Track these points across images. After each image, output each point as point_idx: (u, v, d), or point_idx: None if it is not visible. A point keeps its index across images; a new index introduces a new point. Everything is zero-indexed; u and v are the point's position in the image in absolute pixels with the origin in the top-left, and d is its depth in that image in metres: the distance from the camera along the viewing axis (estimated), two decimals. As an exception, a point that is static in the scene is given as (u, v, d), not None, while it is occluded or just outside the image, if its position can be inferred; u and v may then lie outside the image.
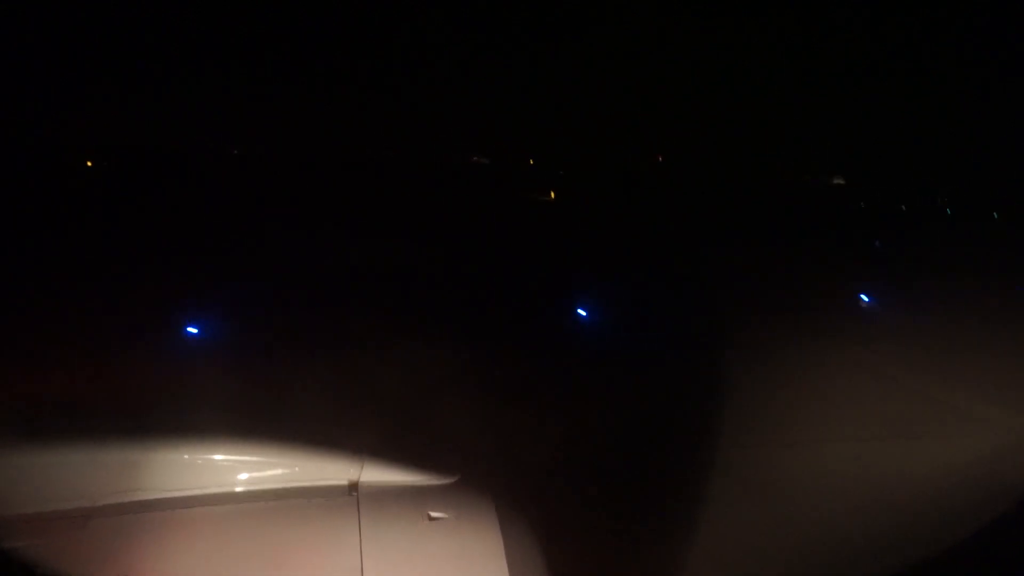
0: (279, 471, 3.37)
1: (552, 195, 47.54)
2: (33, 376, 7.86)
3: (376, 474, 3.45)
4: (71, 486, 3.10)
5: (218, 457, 3.36)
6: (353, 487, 3.35)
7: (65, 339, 10.07)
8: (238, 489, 3.28)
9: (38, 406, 5.67)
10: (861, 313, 15.51)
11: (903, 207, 55.01)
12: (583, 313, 14.65)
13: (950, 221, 47.31)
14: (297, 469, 3.38)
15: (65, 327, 10.78)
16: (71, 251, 18.62)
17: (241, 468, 3.35)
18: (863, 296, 16.05)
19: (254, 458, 3.40)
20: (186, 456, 3.32)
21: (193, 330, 11.44)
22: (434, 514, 3.23)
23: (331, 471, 3.42)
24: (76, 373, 8.30)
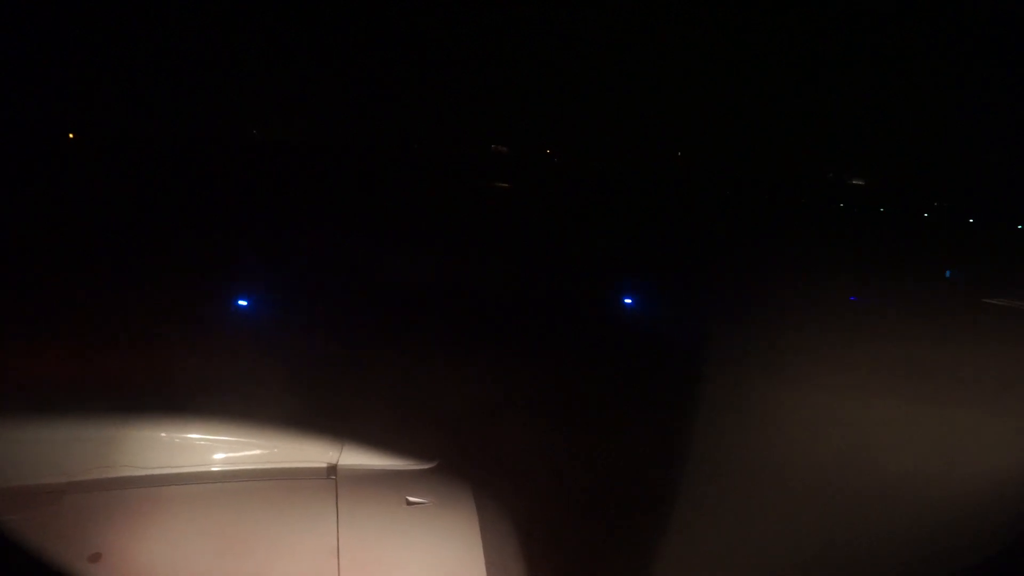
0: (259, 452, 3.37)
1: (507, 184, 48.04)
2: (12, 353, 7.78)
3: (355, 458, 3.45)
4: (49, 461, 3.08)
5: (197, 436, 3.35)
6: (332, 470, 3.36)
7: (46, 317, 9.98)
8: (217, 469, 3.27)
9: (16, 382, 5.63)
10: (610, 315, 14.42)
11: (881, 210, 55.28)
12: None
13: (926, 228, 46.64)
14: (277, 451, 3.38)
15: (46, 306, 10.68)
16: (50, 232, 18.42)
17: (221, 448, 3.34)
18: (626, 300, 15.43)
19: (234, 438, 3.40)
20: (164, 435, 3.30)
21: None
22: (412, 499, 3.24)
23: (311, 453, 3.42)
24: (57, 350, 8.22)
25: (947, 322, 14.83)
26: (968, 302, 17.74)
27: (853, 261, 25.89)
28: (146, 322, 10.37)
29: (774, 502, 6.33)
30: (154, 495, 3.07)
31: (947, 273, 23.81)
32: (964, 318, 15.62)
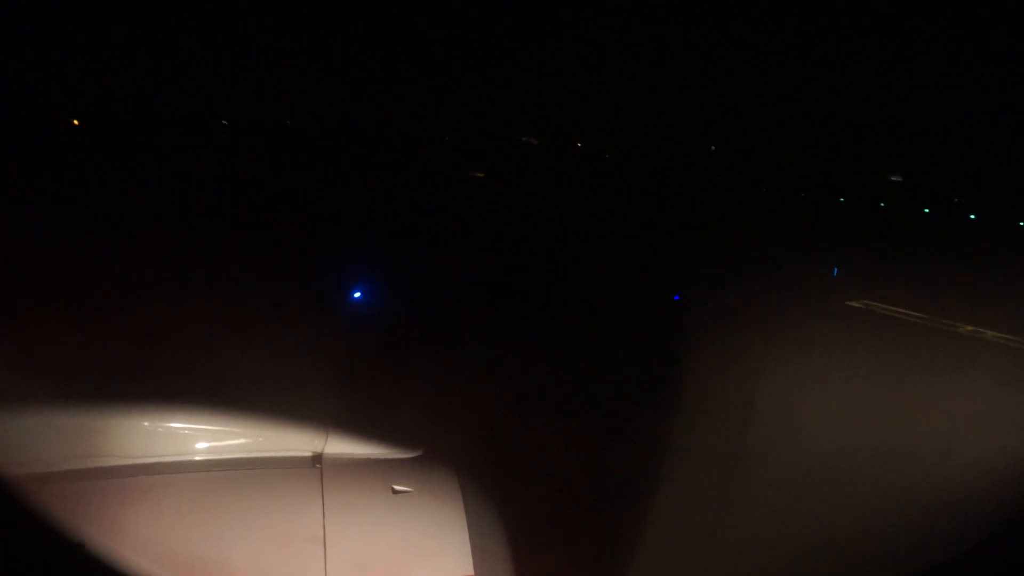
0: (243, 440, 3.34)
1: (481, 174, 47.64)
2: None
3: (341, 446, 3.44)
4: (27, 450, 3.04)
5: (181, 425, 3.32)
6: (318, 459, 3.35)
7: (25, 302, 9.85)
8: (200, 458, 3.25)
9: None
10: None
11: (882, 204, 53.92)
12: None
13: (820, 216, 41.99)
14: (261, 439, 3.36)
15: (25, 290, 10.53)
16: (32, 215, 18.15)
17: (204, 436, 3.32)
18: (356, 295, 14.12)
19: (218, 427, 3.37)
20: (147, 423, 3.27)
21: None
22: (397, 487, 3.25)
23: (296, 442, 3.40)
24: (36, 336, 8.12)
25: (767, 330, 12.79)
26: (826, 304, 15.91)
27: (693, 251, 23.19)
28: (129, 309, 10.26)
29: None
30: (137, 484, 3.04)
31: (834, 270, 21.38)
32: (800, 324, 13.48)
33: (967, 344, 13.38)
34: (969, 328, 14.02)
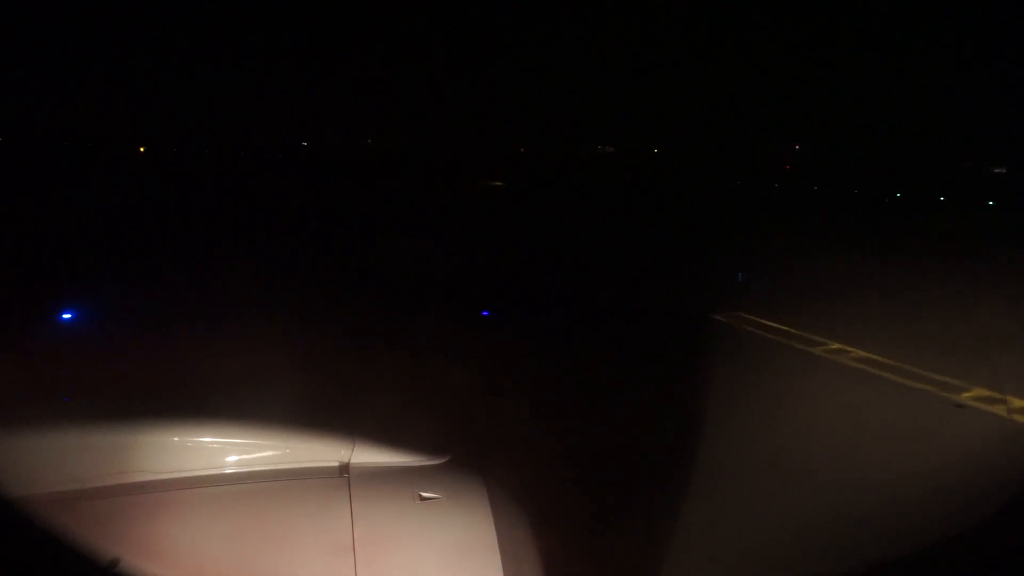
0: (270, 453, 3.37)
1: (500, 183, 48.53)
2: (24, 360, 7.82)
3: (367, 455, 3.45)
4: (61, 469, 3.09)
5: (210, 439, 3.36)
6: (344, 468, 3.36)
7: (55, 322, 10.01)
8: (229, 471, 3.29)
9: (29, 389, 5.66)
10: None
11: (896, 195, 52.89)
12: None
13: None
14: (289, 451, 3.39)
15: (55, 310, 10.72)
16: (64, 236, 18.49)
17: (232, 450, 3.35)
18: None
19: (245, 440, 3.41)
20: (177, 439, 3.31)
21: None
22: (425, 494, 3.25)
23: (323, 453, 3.42)
24: (66, 356, 8.26)
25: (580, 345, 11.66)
26: (685, 316, 14.09)
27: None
28: (156, 325, 10.41)
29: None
30: (169, 499, 3.08)
31: (739, 276, 19.02)
32: (631, 339, 12.24)
33: (810, 364, 11.51)
34: (835, 346, 12.22)
